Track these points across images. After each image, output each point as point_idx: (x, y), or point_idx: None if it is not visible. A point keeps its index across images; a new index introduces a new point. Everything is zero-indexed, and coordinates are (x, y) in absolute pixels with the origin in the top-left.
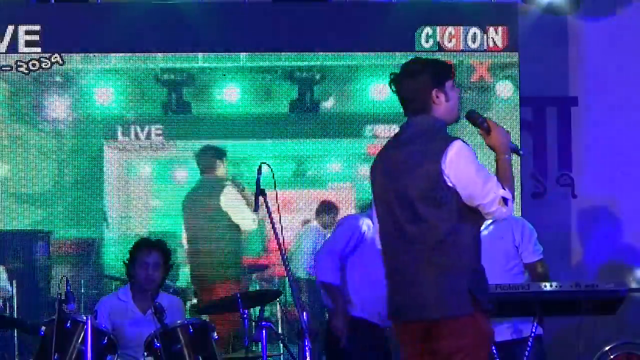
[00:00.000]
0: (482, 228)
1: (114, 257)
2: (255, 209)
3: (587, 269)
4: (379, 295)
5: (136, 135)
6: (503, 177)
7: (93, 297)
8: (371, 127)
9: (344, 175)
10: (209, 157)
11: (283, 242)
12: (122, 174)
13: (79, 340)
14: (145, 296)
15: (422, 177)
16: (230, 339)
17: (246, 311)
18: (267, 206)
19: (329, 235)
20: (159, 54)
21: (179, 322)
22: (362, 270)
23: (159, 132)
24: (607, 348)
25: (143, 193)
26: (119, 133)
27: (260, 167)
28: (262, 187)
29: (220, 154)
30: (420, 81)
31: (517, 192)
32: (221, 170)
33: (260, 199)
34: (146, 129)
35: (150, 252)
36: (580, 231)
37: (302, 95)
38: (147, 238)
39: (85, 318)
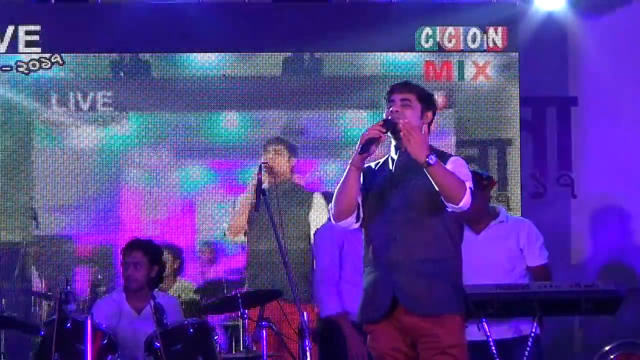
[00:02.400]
0: (485, 228)
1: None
2: (257, 209)
3: (587, 269)
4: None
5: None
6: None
7: None
8: None
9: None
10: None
11: (284, 242)
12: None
13: (79, 340)
14: (138, 296)
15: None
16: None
17: (246, 311)
18: (267, 206)
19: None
20: (159, 54)
21: (178, 322)
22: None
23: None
24: (607, 348)
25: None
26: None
27: (260, 166)
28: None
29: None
30: None
31: (517, 192)
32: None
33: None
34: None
35: (131, 252)
36: (580, 231)
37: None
38: (135, 238)
39: (85, 318)
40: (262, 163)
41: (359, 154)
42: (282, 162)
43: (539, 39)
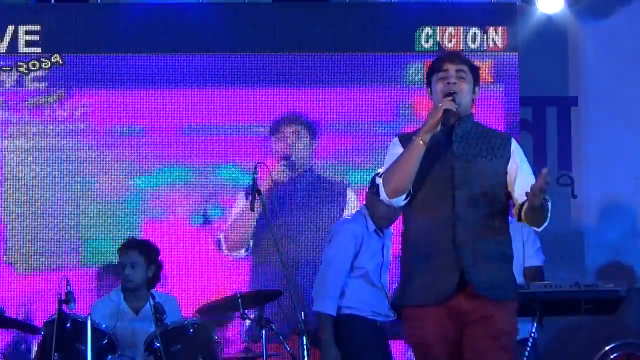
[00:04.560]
0: None
1: None
2: (252, 209)
3: (587, 269)
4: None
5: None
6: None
7: None
8: None
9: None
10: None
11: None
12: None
13: (79, 340)
14: (137, 296)
15: None
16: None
17: (246, 311)
18: (263, 205)
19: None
20: (158, 54)
21: (178, 322)
22: (360, 268)
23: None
24: (607, 348)
25: None
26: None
27: (256, 166)
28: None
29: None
30: None
31: None
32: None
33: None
34: None
35: (126, 252)
36: (580, 231)
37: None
38: (131, 238)
39: (85, 318)
40: (259, 163)
41: (443, 126)
42: (301, 147)
43: (539, 39)
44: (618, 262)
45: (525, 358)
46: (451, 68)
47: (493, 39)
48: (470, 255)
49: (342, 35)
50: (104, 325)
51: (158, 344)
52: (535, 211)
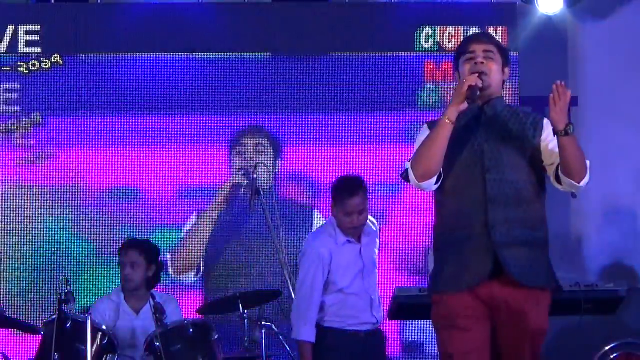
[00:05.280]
0: None
1: None
2: (251, 209)
3: (587, 269)
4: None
5: None
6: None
7: None
8: None
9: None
10: None
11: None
12: None
13: (79, 340)
14: (137, 296)
15: None
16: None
17: (246, 311)
18: (263, 206)
19: None
20: (158, 54)
21: (178, 321)
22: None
23: None
24: (607, 348)
25: None
26: None
27: (255, 166)
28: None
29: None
30: None
31: None
32: None
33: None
34: None
35: (127, 251)
36: (580, 231)
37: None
38: (132, 238)
39: (85, 318)
40: (257, 163)
41: (468, 102)
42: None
43: (539, 39)
44: (618, 262)
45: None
46: (478, 49)
47: None
48: (504, 239)
49: (342, 35)
50: (104, 326)
51: (158, 344)
52: (565, 149)
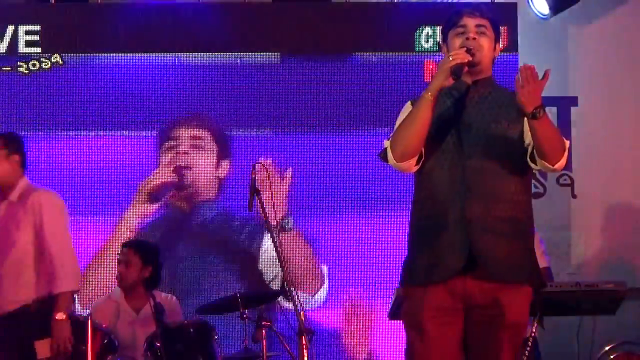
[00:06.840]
0: None
1: None
2: (250, 209)
3: (587, 269)
4: None
5: None
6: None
7: None
8: None
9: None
10: None
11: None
12: None
13: (79, 340)
14: (137, 296)
15: None
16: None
17: (246, 311)
18: (262, 206)
19: None
20: (158, 54)
21: (179, 322)
22: None
23: None
24: (607, 348)
25: None
26: None
27: (254, 166)
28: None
29: None
30: None
31: None
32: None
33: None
34: None
35: (123, 250)
36: (580, 231)
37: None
38: (131, 238)
39: (85, 318)
40: (257, 163)
41: (454, 78)
42: (205, 166)
43: (539, 39)
44: (618, 262)
45: (525, 358)
46: (470, 23)
47: None
48: (481, 231)
49: (342, 35)
50: (104, 325)
51: (158, 344)
52: (536, 132)
